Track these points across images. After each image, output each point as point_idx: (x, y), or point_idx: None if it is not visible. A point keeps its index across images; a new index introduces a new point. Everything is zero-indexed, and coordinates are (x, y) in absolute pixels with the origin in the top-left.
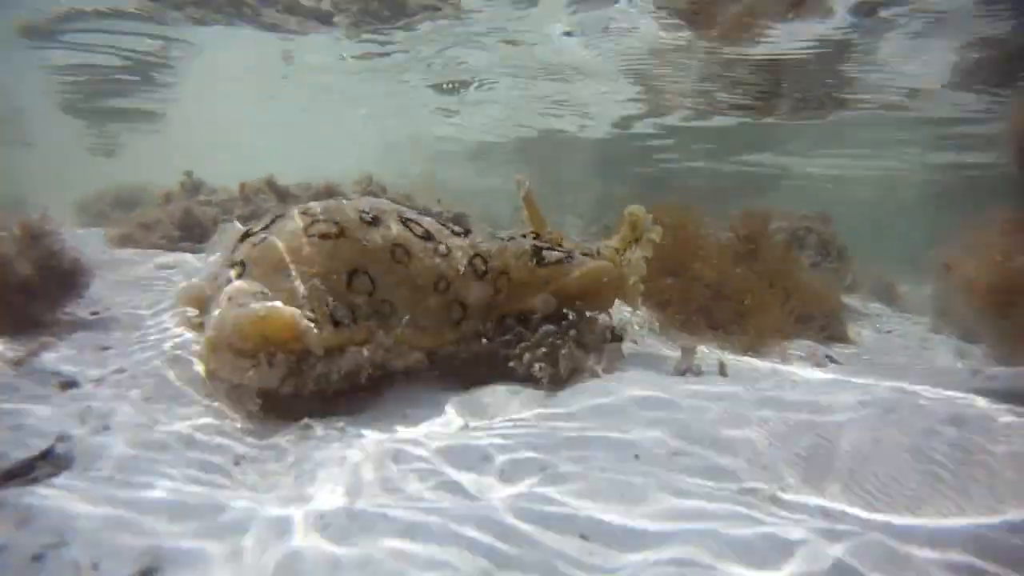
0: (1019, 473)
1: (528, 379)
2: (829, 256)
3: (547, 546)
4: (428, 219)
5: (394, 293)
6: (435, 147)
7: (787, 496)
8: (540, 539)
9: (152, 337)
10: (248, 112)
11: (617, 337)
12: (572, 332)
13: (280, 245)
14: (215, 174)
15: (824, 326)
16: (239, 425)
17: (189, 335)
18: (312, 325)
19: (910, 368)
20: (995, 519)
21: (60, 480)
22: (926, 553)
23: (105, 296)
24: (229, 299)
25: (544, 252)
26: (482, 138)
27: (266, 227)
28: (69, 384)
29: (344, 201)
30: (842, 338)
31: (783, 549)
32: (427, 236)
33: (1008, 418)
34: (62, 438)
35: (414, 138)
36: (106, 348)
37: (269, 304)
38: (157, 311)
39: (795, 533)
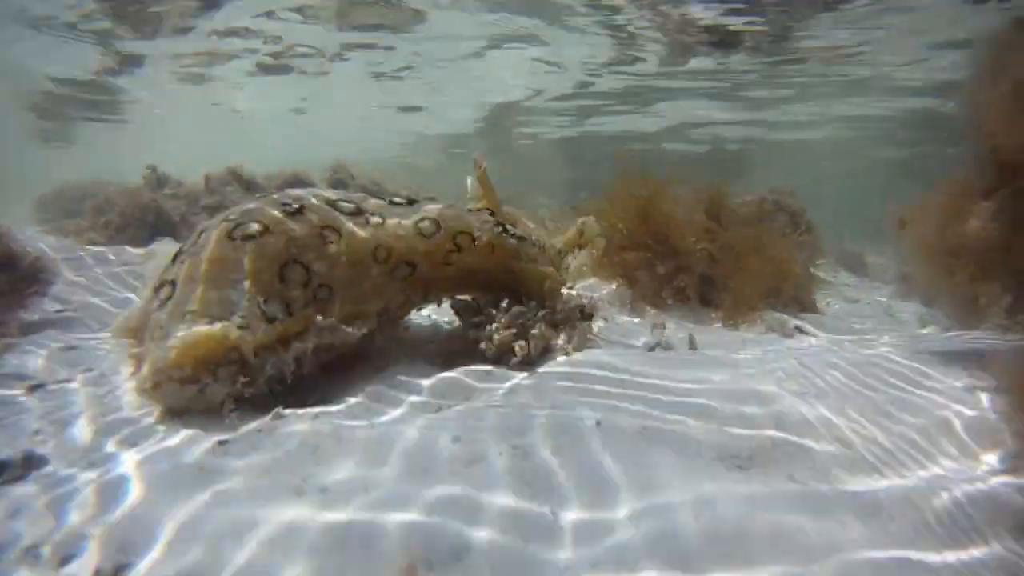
0: None
1: (499, 360)
2: (798, 228)
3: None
4: (361, 195)
5: (332, 275)
6: (408, 136)
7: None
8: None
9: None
10: (217, 102)
11: (587, 315)
12: (542, 312)
13: (209, 256)
14: (179, 166)
15: (794, 297)
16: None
17: None
18: (243, 332)
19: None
20: None
21: (31, 481)
22: None
23: (69, 295)
24: (155, 333)
25: (507, 227)
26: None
27: (194, 242)
28: (36, 386)
29: (264, 198)
30: (811, 308)
31: None
32: (358, 212)
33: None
34: (33, 437)
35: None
36: (72, 348)
37: (193, 329)
38: (125, 308)
39: None
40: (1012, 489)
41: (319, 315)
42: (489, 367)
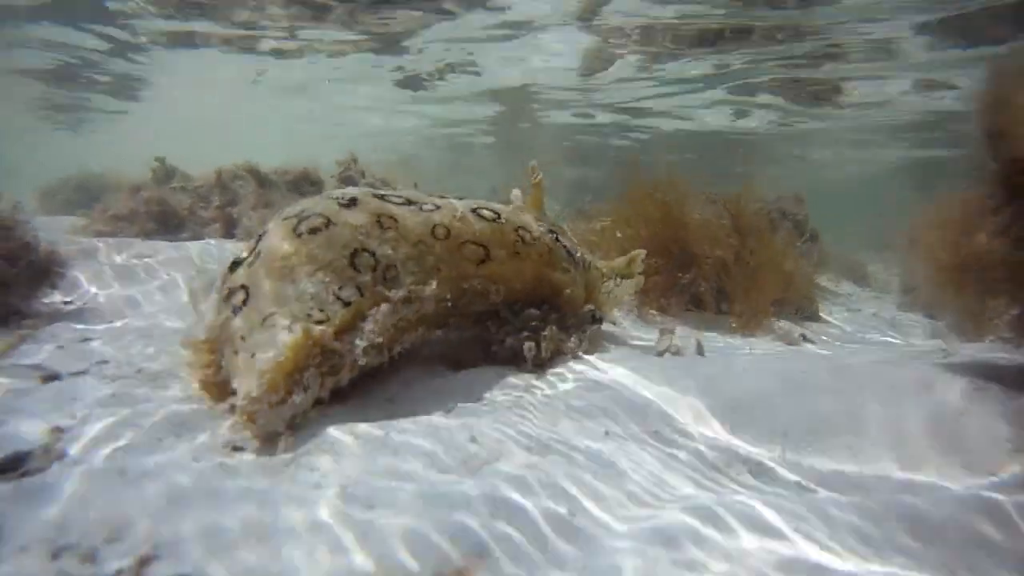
0: None
1: (510, 361)
2: (802, 237)
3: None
4: (406, 191)
5: (396, 256)
6: (413, 134)
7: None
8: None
9: (134, 326)
10: (223, 99)
11: (598, 320)
12: (554, 315)
13: (277, 254)
14: (187, 157)
15: (798, 307)
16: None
17: (175, 324)
18: (323, 326)
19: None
20: None
21: (51, 473)
22: None
23: (82, 286)
24: (236, 343)
25: (558, 235)
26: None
27: (252, 249)
28: (51, 377)
29: (316, 196)
30: (815, 317)
31: None
32: (408, 202)
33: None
34: (54, 430)
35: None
36: (87, 339)
37: (278, 344)
38: (136, 300)
39: None
40: None
41: (391, 291)
42: (501, 368)
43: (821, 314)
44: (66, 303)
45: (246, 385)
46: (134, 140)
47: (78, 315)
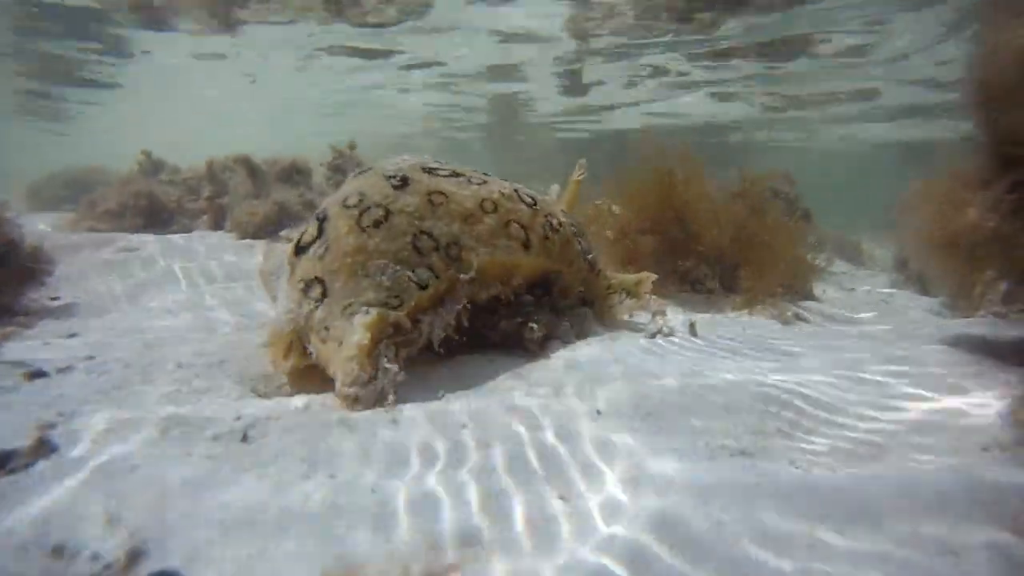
0: None
1: (503, 346)
2: (794, 215)
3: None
4: (452, 166)
5: (451, 232)
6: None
7: None
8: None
9: (120, 323)
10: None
11: (589, 303)
12: (546, 299)
13: (346, 248)
14: (174, 149)
15: (792, 285)
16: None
17: (163, 320)
18: (397, 311)
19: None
20: None
21: (37, 470)
22: None
23: (68, 282)
24: (321, 333)
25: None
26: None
27: (318, 236)
28: (36, 374)
29: (368, 172)
30: (809, 296)
31: None
32: (455, 174)
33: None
34: (40, 427)
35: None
36: (73, 335)
37: (358, 325)
38: (122, 296)
39: None
40: None
41: (460, 273)
42: (493, 354)
43: (815, 292)
44: (52, 299)
45: (340, 374)
46: (120, 133)
47: (64, 311)
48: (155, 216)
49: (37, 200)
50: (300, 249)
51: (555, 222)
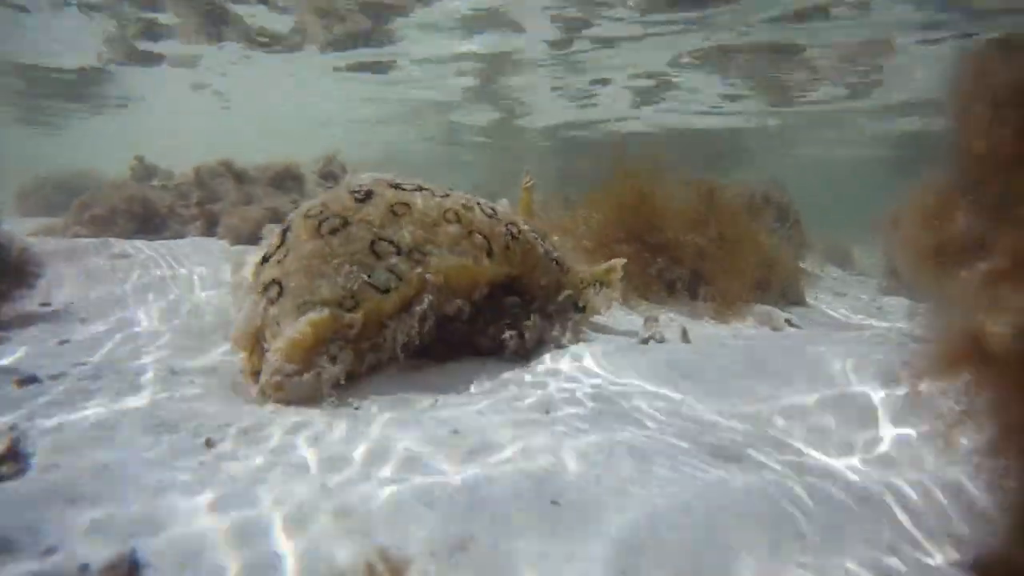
0: None
1: (494, 351)
2: (786, 222)
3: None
4: (417, 180)
5: (415, 237)
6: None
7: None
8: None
9: (112, 328)
10: (202, 95)
11: (580, 308)
12: (534, 304)
13: (304, 252)
14: (164, 155)
15: (783, 291)
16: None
17: (155, 325)
18: (352, 313)
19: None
20: None
21: (27, 476)
22: None
23: (58, 288)
24: (273, 330)
25: (541, 238)
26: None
27: (280, 244)
28: (28, 380)
29: (334, 188)
30: (800, 302)
31: None
32: (420, 188)
33: None
34: (30, 433)
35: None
36: (64, 341)
37: (301, 320)
38: (115, 300)
39: None
40: None
41: (426, 274)
42: (485, 359)
43: (807, 298)
44: (43, 305)
45: (265, 364)
46: (112, 139)
47: (55, 317)
48: (147, 221)
49: (26, 204)
50: (265, 259)
51: (515, 230)
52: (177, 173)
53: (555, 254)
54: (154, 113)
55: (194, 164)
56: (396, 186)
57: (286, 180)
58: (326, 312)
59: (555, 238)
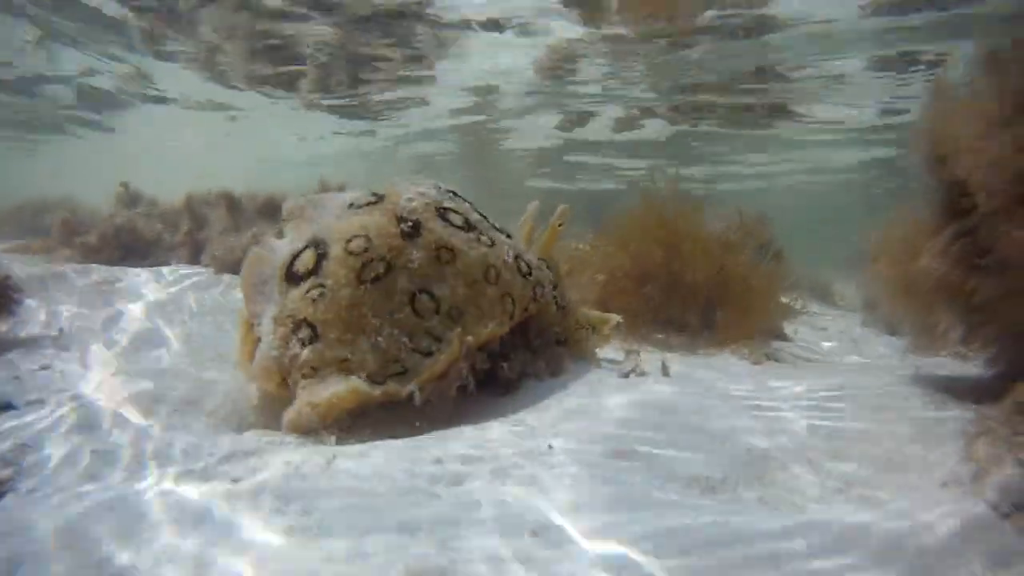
0: None
1: (478, 385)
2: (767, 257)
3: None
4: (466, 205)
5: (455, 295)
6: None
7: None
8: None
9: (94, 354)
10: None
11: (563, 341)
12: (520, 337)
13: (343, 302)
14: (151, 183)
15: (766, 326)
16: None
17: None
18: (389, 385)
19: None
20: None
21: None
22: None
23: (40, 313)
24: (305, 371)
25: (558, 298)
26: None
27: (313, 270)
28: (5, 407)
29: (380, 206)
30: (781, 336)
31: None
32: (467, 226)
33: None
34: (7, 461)
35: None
36: (44, 367)
37: (332, 388)
38: (96, 329)
39: None
40: None
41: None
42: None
43: (787, 332)
44: (21, 331)
45: (295, 411)
46: (96, 164)
47: (35, 343)
48: (132, 248)
49: (6, 228)
50: (292, 276)
51: (539, 292)
52: (161, 201)
53: (563, 303)
54: (138, 139)
55: (184, 191)
56: (443, 214)
57: (272, 208)
58: (378, 391)
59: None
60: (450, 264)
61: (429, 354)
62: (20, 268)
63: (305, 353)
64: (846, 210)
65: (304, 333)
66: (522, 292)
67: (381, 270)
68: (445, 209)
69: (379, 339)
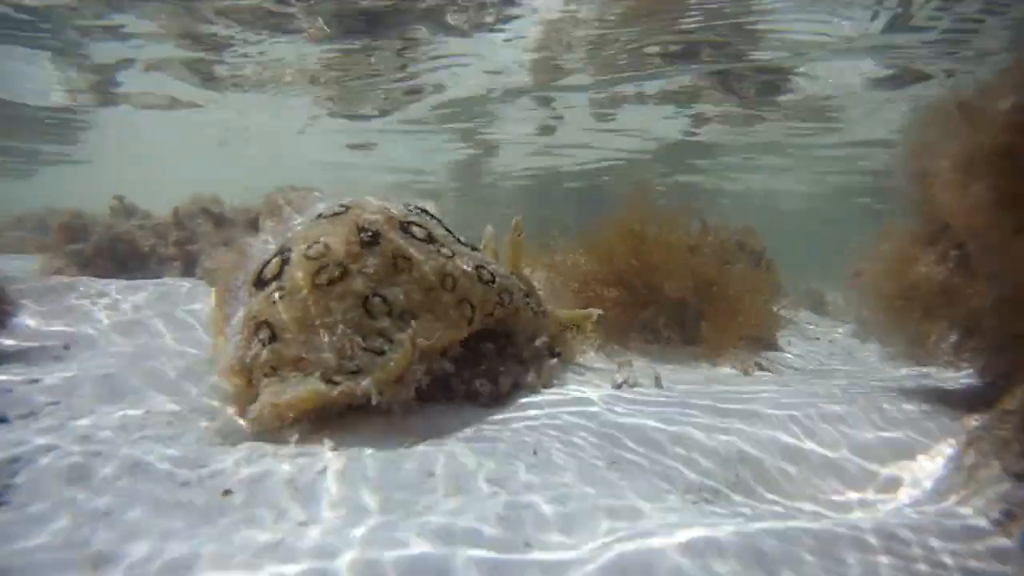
0: None
1: (469, 397)
2: (759, 267)
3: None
4: (433, 222)
5: (410, 300)
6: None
7: None
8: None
9: (86, 367)
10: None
11: (555, 353)
12: (510, 349)
13: (298, 301)
14: (143, 197)
15: (756, 335)
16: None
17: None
18: (363, 385)
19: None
20: None
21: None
22: None
23: (32, 326)
24: (266, 370)
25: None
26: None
27: (277, 275)
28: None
29: (345, 216)
30: (773, 346)
31: None
32: (429, 239)
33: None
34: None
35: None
36: (35, 381)
37: (301, 389)
38: (89, 340)
39: None
40: None
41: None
42: (459, 405)
43: (780, 343)
44: (14, 344)
45: (257, 410)
46: (91, 179)
47: (27, 356)
48: (125, 261)
49: (3, 241)
50: (259, 281)
51: (506, 299)
52: (155, 213)
53: (539, 308)
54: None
55: (175, 201)
56: (405, 228)
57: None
58: (335, 391)
59: (539, 276)
60: (406, 272)
61: (381, 353)
62: (14, 281)
63: (264, 353)
64: (843, 219)
65: (264, 334)
66: (484, 298)
67: (336, 274)
68: (409, 223)
69: (333, 338)
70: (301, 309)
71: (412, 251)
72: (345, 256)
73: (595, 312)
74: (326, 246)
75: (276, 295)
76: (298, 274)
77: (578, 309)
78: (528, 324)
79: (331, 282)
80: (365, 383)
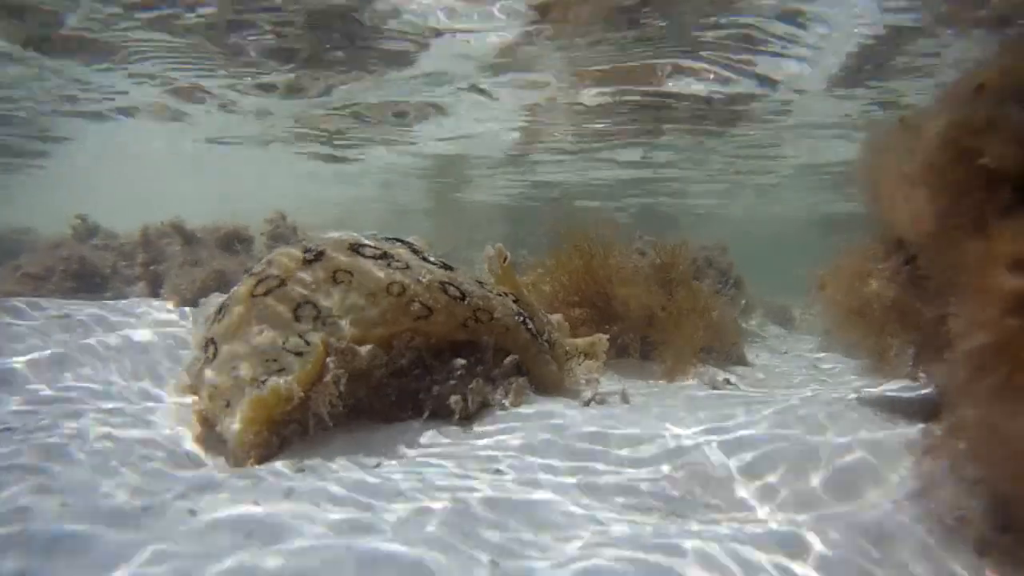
0: None
1: (437, 414)
2: (728, 284)
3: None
4: (403, 249)
5: (341, 305)
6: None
7: None
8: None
9: (44, 391)
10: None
11: (524, 371)
12: (480, 367)
13: (236, 312)
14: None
15: (725, 351)
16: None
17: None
18: (285, 381)
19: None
20: None
21: None
22: None
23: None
24: (210, 391)
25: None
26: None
27: (228, 298)
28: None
29: (293, 244)
30: (741, 361)
31: None
32: (381, 256)
33: None
34: None
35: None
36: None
37: (246, 401)
38: (49, 364)
39: None
40: None
41: (332, 337)
42: (428, 421)
43: (748, 357)
44: None
45: (229, 438)
46: (51, 197)
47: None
48: (87, 280)
49: None
50: (221, 308)
51: (483, 316)
52: (120, 233)
53: (544, 335)
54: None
55: (141, 222)
56: (356, 249)
57: (234, 242)
58: (266, 391)
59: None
60: (344, 283)
61: (299, 354)
62: None
63: (207, 371)
64: (807, 234)
65: (210, 350)
66: (450, 308)
67: (274, 284)
68: (361, 245)
69: (259, 340)
70: (236, 320)
71: (357, 264)
72: (284, 271)
73: (603, 337)
74: (269, 263)
75: (222, 314)
76: (240, 290)
77: (584, 338)
78: (526, 346)
79: (267, 292)
80: (283, 380)
